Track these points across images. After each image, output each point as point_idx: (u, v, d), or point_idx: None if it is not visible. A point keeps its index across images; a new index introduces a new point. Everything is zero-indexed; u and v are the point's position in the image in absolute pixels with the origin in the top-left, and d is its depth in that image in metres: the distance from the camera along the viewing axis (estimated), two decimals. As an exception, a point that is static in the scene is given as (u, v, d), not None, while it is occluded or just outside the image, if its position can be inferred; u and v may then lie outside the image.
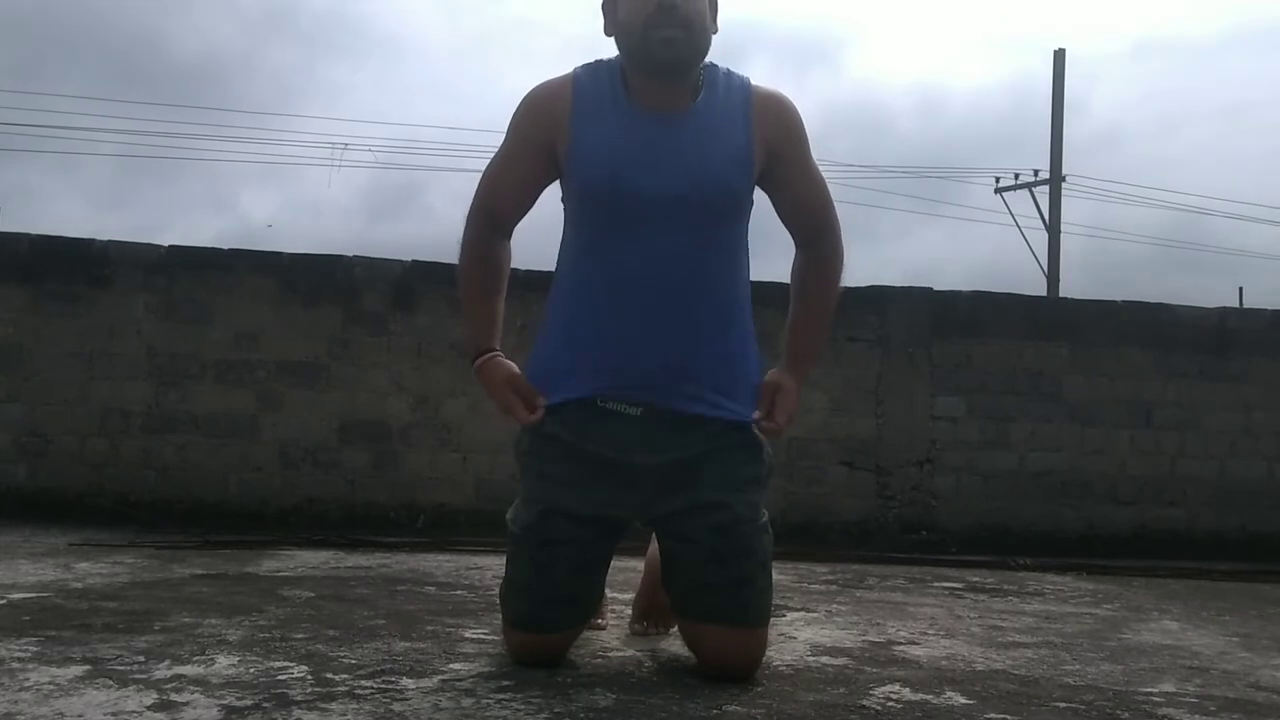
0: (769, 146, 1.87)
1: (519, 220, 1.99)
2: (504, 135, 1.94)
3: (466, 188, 2.00)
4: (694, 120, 1.85)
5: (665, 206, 1.80)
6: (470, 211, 1.96)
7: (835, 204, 2.00)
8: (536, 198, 1.96)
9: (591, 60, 1.91)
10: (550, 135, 1.86)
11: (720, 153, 1.84)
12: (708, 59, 1.89)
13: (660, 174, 1.81)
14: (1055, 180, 17.68)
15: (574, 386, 1.85)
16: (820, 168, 1.99)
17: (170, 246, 5.02)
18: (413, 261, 5.13)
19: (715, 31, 1.88)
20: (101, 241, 4.98)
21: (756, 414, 1.87)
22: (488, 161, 1.98)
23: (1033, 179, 18.41)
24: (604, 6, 1.91)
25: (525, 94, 1.92)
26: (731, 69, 1.92)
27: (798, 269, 2.00)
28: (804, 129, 1.93)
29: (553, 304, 1.94)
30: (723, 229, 1.87)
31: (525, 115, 1.91)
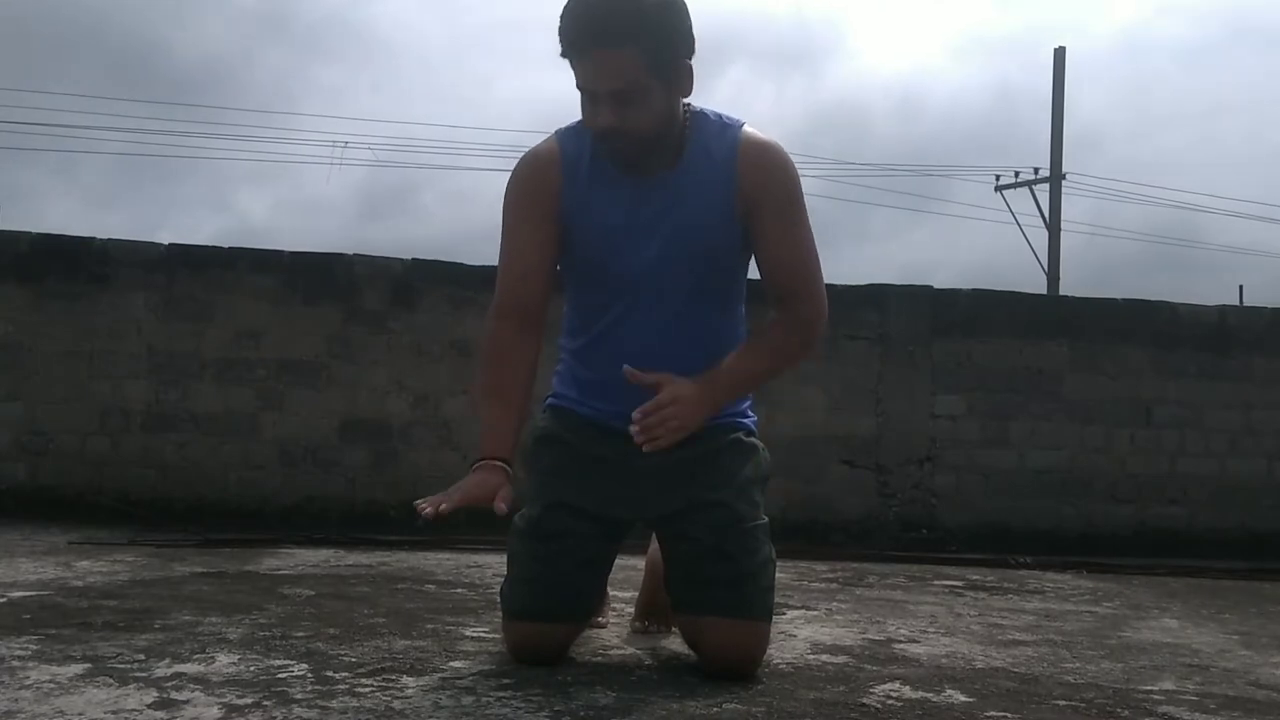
0: (749, 197, 1.81)
1: (548, 300, 1.85)
2: (503, 221, 1.87)
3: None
4: (677, 182, 1.81)
5: (654, 272, 1.82)
6: (493, 316, 1.85)
7: (822, 271, 1.87)
8: (557, 267, 1.88)
9: (573, 123, 1.86)
10: (550, 201, 1.84)
11: (705, 213, 1.81)
12: (700, 107, 1.85)
13: (648, 242, 1.82)
14: (1055, 178, 17.65)
15: (578, 403, 1.92)
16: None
17: (170, 245, 5.03)
18: (413, 260, 5.14)
19: (688, 93, 1.80)
20: (101, 240, 4.99)
21: (635, 415, 1.71)
22: (498, 252, 1.87)
23: (1033, 177, 18.39)
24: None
25: (515, 168, 1.88)
26: (726, 116, 1.85)
27: (768, 325, 1.89)
28: (792, 182, 1.84)
29: (560, 341, 2.00)
30: (715, 283, 1.88)
31: (522, 188, 1.86)
